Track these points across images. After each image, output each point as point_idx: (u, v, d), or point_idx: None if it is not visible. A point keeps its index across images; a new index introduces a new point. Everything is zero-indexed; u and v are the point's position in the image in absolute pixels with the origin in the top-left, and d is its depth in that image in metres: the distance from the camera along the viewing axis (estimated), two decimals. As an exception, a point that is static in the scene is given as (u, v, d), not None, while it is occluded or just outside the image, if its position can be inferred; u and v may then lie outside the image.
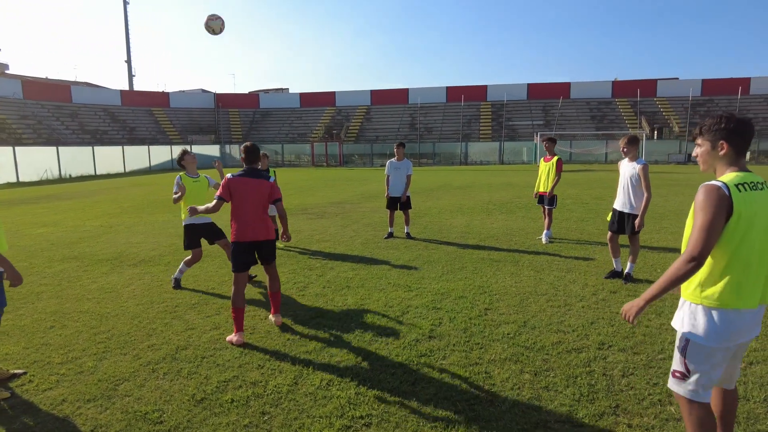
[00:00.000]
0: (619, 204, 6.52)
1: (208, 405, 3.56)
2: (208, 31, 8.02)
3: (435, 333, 4.77)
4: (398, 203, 9.58)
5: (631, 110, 47.86)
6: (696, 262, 2.31)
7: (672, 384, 2.56)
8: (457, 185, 21.22)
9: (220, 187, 4.83)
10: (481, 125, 49.64)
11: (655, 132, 42.88)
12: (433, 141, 48.41)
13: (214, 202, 4.86)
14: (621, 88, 50.52)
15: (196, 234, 6.47)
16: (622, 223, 6.48)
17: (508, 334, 4.72)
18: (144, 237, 10.18)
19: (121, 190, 22.03)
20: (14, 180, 29.36)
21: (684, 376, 2.49)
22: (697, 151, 2.56)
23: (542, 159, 9.16)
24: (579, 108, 49.89)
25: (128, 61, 60.49)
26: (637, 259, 6.59)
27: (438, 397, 3.59)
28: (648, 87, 49.46)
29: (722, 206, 2.30)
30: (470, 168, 38.53)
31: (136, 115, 50.78)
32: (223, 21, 8.06)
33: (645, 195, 6.18)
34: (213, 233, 6.63)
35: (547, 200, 8.93)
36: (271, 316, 5.17)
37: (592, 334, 4.66)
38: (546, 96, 51.25)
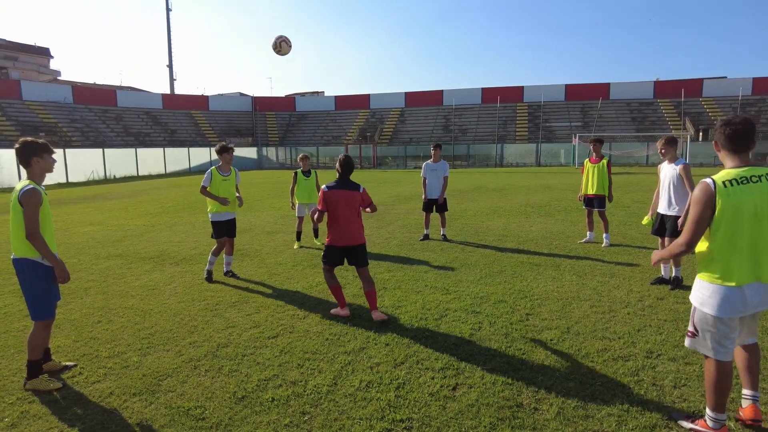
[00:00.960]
0: (663, 207, 6.32)
1: (248, 403, 3.59)
2: (275, 49, 8.34)
3: (475, 337, 4.68)
4: (435, 205, 9.51)
5: (674, 111, 46.16)
6: (686, 248, 2.94)
7: (687, 342, 3.12)
8: (493, 187, 20.93)
9: (319, 201, 5.32)
10: (518, 126, 48.86)
11: (701, 133, 41.21)
12: (468, 143, 47.94)
13: (317, 214, 5.37)
14: (663, 88, 48.78)
15: (221, 228, 6.99)
16: (663, 225, 6.28)
17: (551, 340, 4.58)
18: (185, 236, 10.43)
19: (162, 191, 22.70)
20: (64, 180, 30.70)
21: (694, 335, 3.05)
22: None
23: (587, 160, 8.90)
24: (619, 109, 48.47)
25: (170, 66, 62.39)
26: (682, 263, 6.31)
27: (480, 403, 3.50)
28: (693, 87, 47.59)
29: (709, 200, 2.83)
30: (506, 170, 37.94)
31: (177, 118, 52.29)
32: (291, 47, 8.40)
33: (690, 194, 5.90)
34: (233, 230, 7.16)
35: (597, 202, 8.70)
36: (372, 314, 5.27)
37: (640, 342, 4.48)
38: (584, 97, 50.00)
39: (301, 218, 9.26)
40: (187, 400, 3.65)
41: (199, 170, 42.75)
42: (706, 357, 3.00)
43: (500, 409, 3.42)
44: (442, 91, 54.62)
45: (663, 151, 6.25)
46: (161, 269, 7.61)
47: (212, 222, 7.00)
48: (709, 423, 2.99)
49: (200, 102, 55.84)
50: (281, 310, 5.59)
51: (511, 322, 5.03)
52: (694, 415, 3.19)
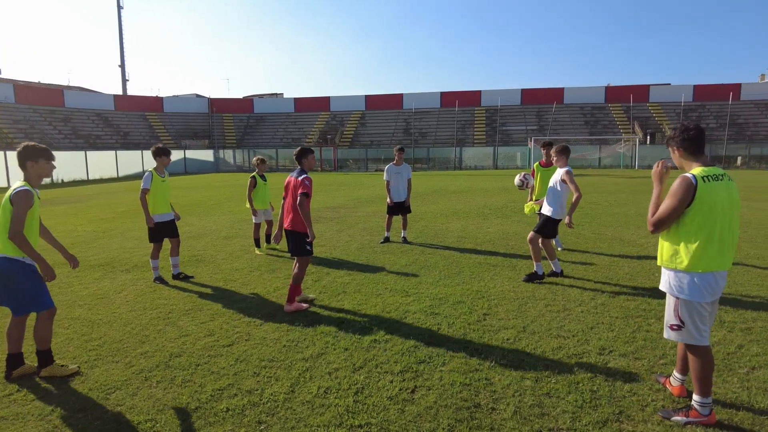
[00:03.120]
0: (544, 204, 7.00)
1: (202, 414, 3.47)
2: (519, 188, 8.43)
3: (434, 339, 4.70)
4: (399, 208, 9.52)
5: (624, 115, 48.11)
6: (654, 228, 3.18)
7: (672, 335, 3.27)
8: (453, 190, 21.19)
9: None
10: (476, 130, 49.73)
11: (648, 137, 43.11)
12: (428, 146, 48.45)
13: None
14: (614, 93, 50.79)
15: (160, 230, 6.90)
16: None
17: (508, 339, 4.65)
18: (139, 242, 10.06)
19: (115, 195, 21.85)
20: (5, 185, 29.10)
21: (680, 327, 3.21)
22: (671, 156, 3.38)
23: (537, 163, 8.74)
24: (572, 113, 50.10)
25: (122, 66, 60.21)
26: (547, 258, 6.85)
27: (438, 405, 3.51)
28: (641, 92, 49.76)
29: (689, 193, 3.05)
30: (465, 173, 38.55)
31: (130, 120, 50.50)
32: None
33: (563, 196, 6.59)
34: (174, 230, 7.07)
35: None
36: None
37: (593, 339, 4.61)
38: (540, 101, 51.45)
39: (258, 225, 8.99)
40: (137, 413, 3.49)
41: (154, 174, 41.39)
42: (693, 347, 3.19)
43: (458, 410, 3.44)
44: (402, 94, 54.99)
45: (555, 159, 6.75)
46: (111, 277, 7.30)
47: (157, 224, 6.87)
48: (701, 410, 3.18)
49: (154, 103, 54.13)
50: (237, 317, 5.46)
51: (469, 323, 5.08)
52: (684, 409, 3.27)
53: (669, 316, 3.28)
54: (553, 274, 6.79)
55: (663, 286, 3.33)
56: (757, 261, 7.51)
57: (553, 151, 6.80)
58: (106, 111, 49.91)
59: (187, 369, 4.18)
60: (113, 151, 40.38)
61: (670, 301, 3.27)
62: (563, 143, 6.92)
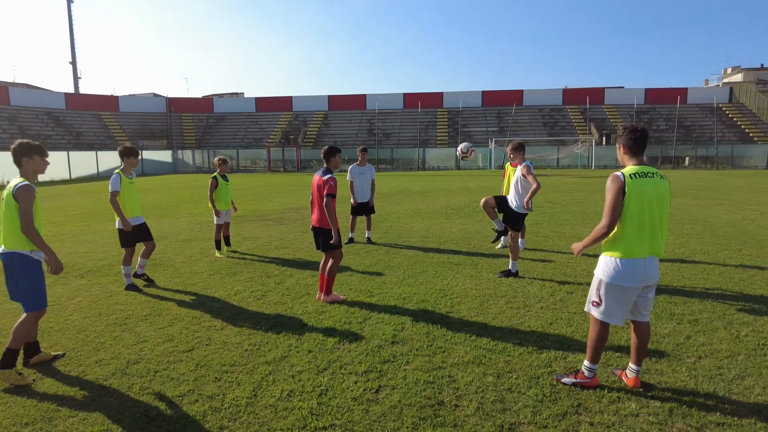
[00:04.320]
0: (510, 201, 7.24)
1: (162, 422, 3.37)
2: (462, 154, 8.82)
3: (398, 338, 4.73)
4: (363, 208, 9.52)
5: (581, 117, 49.65)
6: (607, 229, 3.47)
7: (591, 310, 3.66)
8: (416, 190, 21.35)
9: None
10: (438, 131, 50.26)
11: (604, 138, 44.64)
12: (392, 147, 48.64)
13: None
14: (571, 95, 52.37)
15: (134, 234, 6.63)
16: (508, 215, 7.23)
17: (470, 336, 4.72)
18: (92, 246, 9.68)
19: (67, 198, 20.96)
20: (-54, 188, 27.47)
21: (598, 304, 3.60)
22: (617, 152, 3.71)
23: (508, 164, 8.69)
24: (531, 115, 51.33)
25: (73, 63, 57.85)
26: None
27: (402, 404, 3.53)
28: (596, 95, 51.50)
29: (620, 189, 3.41)
30: (428, 173, 38.91)
31: (83, 119, 48.55)
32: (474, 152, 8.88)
33: (531, 189, 6.73)
34: (147, 233, 6.86)
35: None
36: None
37: (552, 335, 4.73)
38: (500, 103, 52.48)
39: (220, 226, 8.78)
40: (91, 424, 3.36)
41: (109, 175, 39.96)
42: (598, 321, 3.62)
43: (422, 408, 3.47)
44: (365, 95, 55.00)
45: (512, 156, 7.25)
46: (64, 283, 6.99)
47: (120, 229, 6.53)
48: (586, 373, 3.70)
49: (109, 102, 52.23)
50: (197, 321, 5.33)
51: (432, 321, 5.13)
52: (573, 372, 3.82)
53: (591, 293, 3.68)
54: (508, 273, 6.87)
55: (596, 269, 3.70)
56: (703, 256, 7.89)
57: (508, 150, 7.21)
58: (56, 110, 47.82)
59: (145, 376, 4.05)
60: (65, 152, 38.65)
61: (595, 280, 3.64)
62: (517, 141, 7.24)
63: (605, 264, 3.57)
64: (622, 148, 3.62)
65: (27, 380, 3.98)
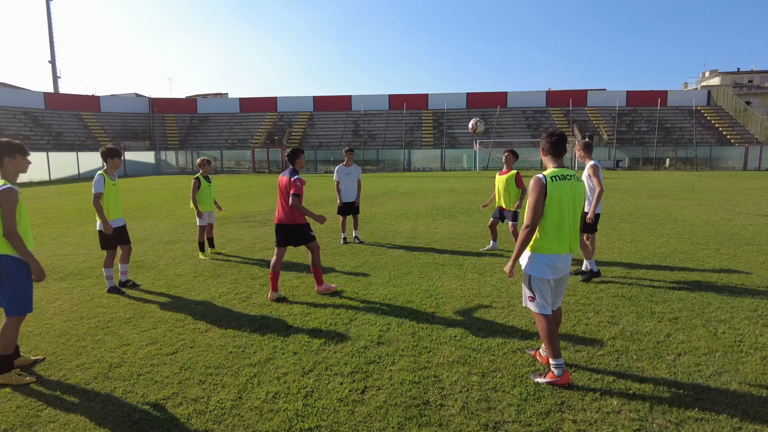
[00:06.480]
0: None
1: (144, 426, 3.33)
2: (473, 129, 9.27)
3: (384, 339, 4.74)
4: (350, 208, 9.55)
5: (564, 119, 50.24)
6: (530, 229, 3.68)
7: (528, 305, 3.87)
8: (402, 191, 21.40)
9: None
10: (423, 133, 50.46)
11: (587, 139, 45.19)
12: (377, 148, 48.67)
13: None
14: (555, 97, 52.99)
15: (113, 237, 6.54)
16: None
17: (455, 336, 4.76)
18: (73, 248, 9.52)
19: (47, 199, 20.58)
20: None
21: (533, 299, 3.81)
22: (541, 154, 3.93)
23: (498, 173, 8.49)
24: (516, 116, 51.81)
25: (52, 62, 56.82)
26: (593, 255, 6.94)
27: (388, 404, 3.54)
28: (579, 97, 52.18)
29: (542, 190, 3.65)
30: (414, 174, 39.02)
31: (63, 120, 47.75)
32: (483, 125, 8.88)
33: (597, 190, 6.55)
34: (125, 236, 6.81)
35: (512, 215, 8.30)
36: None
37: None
38: (484, 105, 52.87)
39: (203, 228, 8.70)
40: (72, 429, 3.31)
41: (90, 176, 39.33)
42: (539, 315, 3.80)
43: (408, 408, 3.49)
44: (350, 96, 55.00)
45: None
46: (44, 286, 6.87)
47: (101, 231, 6.43)
48: (555, 372, 3.75)
49: (90, 102, 51.45)
50: (181, 324, 5.28)
51: (418, 321, 5.16)
52: (544, 373, 3.91)
53: (525, 289, 3.89)
54: (591, 274, 6.68)
55: (522, 264, 3.93)
56: (682, 256, 8.05)
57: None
58: (35, 110, 46.97)
59: (129, 379, 4.00)
60: (44, 153, 37.93)
61: (525, 277, 3.88)
62: (584, 140, 6.87)
63: (528, 260, 3.81)
64: (542, 151, 3.87)
65: (28, 379, 3.98)
